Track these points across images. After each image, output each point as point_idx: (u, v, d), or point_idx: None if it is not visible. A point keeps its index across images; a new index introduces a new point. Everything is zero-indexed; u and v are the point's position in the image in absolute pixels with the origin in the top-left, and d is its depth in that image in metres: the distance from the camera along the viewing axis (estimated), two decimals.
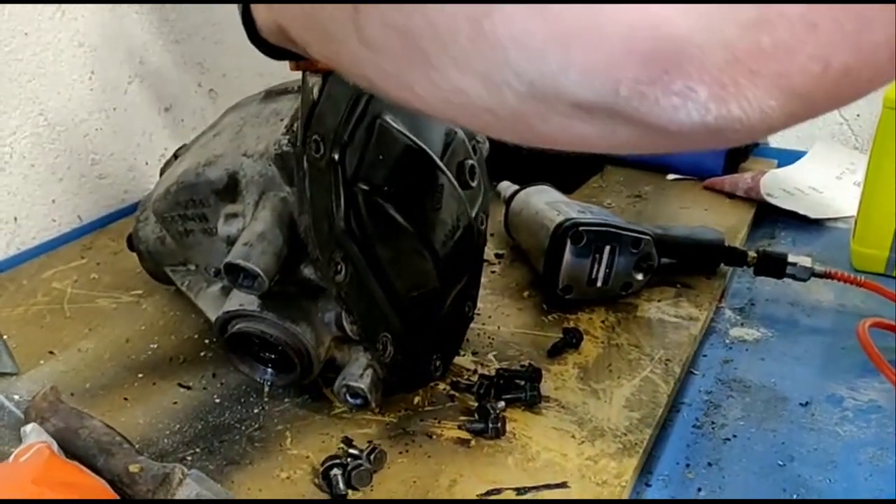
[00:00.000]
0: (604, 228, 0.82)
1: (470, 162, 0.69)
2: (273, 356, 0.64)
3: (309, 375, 0.63)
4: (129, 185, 1.06)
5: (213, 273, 0.70)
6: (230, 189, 0.63)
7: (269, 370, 0.64)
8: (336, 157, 0.57)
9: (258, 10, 0.45)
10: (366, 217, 0.58)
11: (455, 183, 0.64)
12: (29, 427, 0.56)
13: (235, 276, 0.57)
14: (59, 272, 0.90)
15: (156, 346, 0.77)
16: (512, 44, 0.27)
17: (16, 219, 0.93)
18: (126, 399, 0.69)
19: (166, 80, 1.10)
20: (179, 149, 0.76)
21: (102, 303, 0.84)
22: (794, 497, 0.61)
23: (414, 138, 0.61)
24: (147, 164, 1.08)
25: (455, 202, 0.65)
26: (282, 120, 0.61)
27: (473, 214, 0.71)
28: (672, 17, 0.24)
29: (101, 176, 1.03)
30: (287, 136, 0.56)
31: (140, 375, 0.72)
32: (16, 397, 0.69)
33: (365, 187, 0.58)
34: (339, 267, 0.57)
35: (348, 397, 0.62)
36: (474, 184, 0.70)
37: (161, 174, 0.76)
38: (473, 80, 0.29)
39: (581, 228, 0.81)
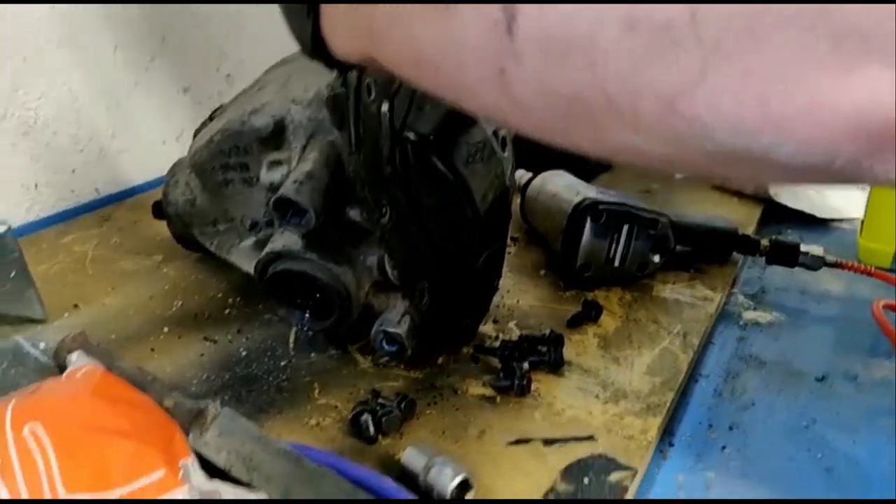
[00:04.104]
0: (623, 208, 0.83)
1: (503, 132, 0.71)
2: (310, 303, 0.64)
3: (346, 320, 0.64)
4: (147, 163, 1.07)
5: (249, 226, 0.71)
6: (276, 136, 0.64)
7: (306, 315, 0.64)
8: (385, 109, 0.58)
9: (335, 38, 0.41)
10: (413, 165, 0.59)
11: (494, 139, 0.65)
12: (74, 355, 0.56)
13: (284, 211, 0.58)
14: (79, 237, 0.90)
15: (180, 303, 0.77)
16: (716, 123, 0.26)
17: (36, 185, 0.94)
18: (153, 350, 0.70)
19: (186, 60, 1.11)
20: (215, 111, 0.77)
21: (125, 265, 0.85)
22: (819, 457, 0.62)
23: None
24: (164, 142, 1.09)
25: (495, 159, 0.66)
26: None
27: (508, 183, 0.72)
28: None
29: (120, 151, 1.03)
30: (339, 79, 0.57)
31: (165, 329, 0.73)
32: (41, 345, 0.69)
33: (412, 136, 0.59)
34: (384, 210, 0.58)
35: (384, 344, 0.63)
36: (506, 154, 0.72)
37: (195, 136, 0.77)
38: (652, 141, 0.29)
39: (601, 207, 0.82)
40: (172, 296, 0.78)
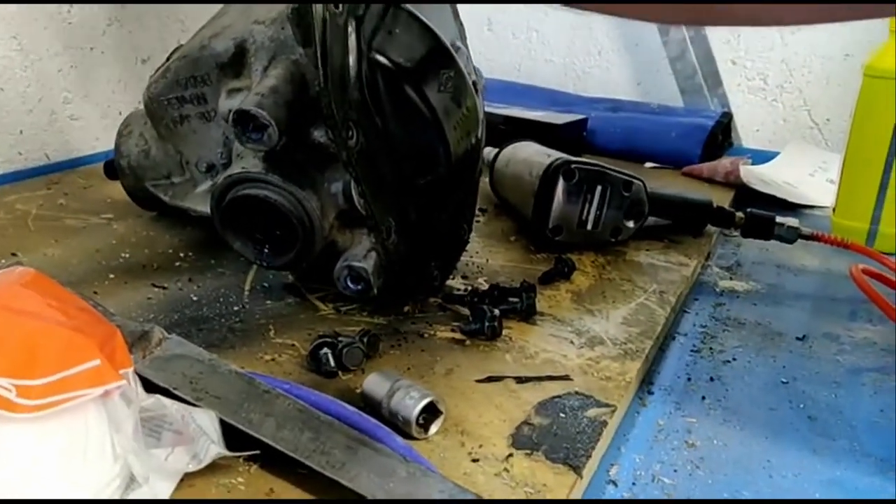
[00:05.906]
0: (596, 168, 0.81)
1: (473, 78, 0.68)
2: (269, 241, 0.60)
3: (308, 254, 0.59)
4: (101, 133, 1.02)
5: (205, 168, 0.67)
6: (236, 60, 0.60)
7: (265, 249, 0.59)
8: (351, 29, 0.55)
9: None
10: (383, 91, 0.56)
11: (466, 72, 0.62)
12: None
13: (244, 126, 0.54)
14: (23, 197, 0.85)
15: (128, 255, 0.73)
16: None
17: None
18: (96, 293, 0.65)
19: (147, 30, 1.07)
20: (173, 51, 0.73)
21: (70, 222, 0.80)
22: (801, 407, 0.59)
23: (427, 21, 0.60)
24: (121, 113, 1.04)
25: (467, 94, 0.63)
26: None
27: (479, 134, 0.68)
28: None
29: (72, 117, 0.99)
30: None
31: (111, 276, 0.68)
32: None
33: (382, 59, 0.56)
34: (351, 132, 0.54)
35: (349, 282, 0.58)
36: (479, 98, 0.68)
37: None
38: None
39: (573, 166, 0.80)
40: (120, 249, 0.74)
